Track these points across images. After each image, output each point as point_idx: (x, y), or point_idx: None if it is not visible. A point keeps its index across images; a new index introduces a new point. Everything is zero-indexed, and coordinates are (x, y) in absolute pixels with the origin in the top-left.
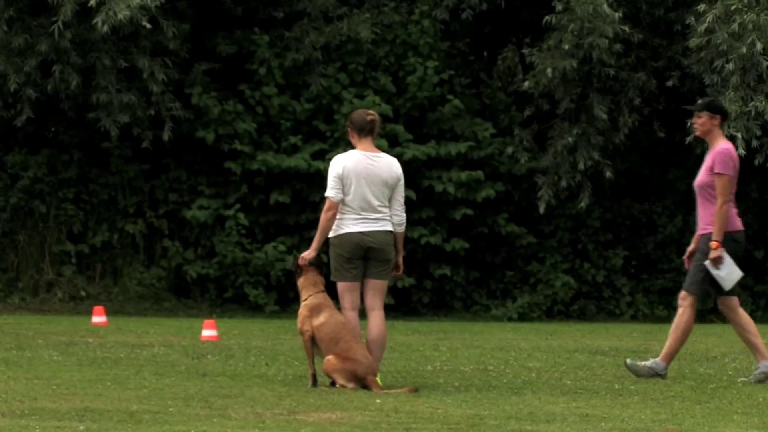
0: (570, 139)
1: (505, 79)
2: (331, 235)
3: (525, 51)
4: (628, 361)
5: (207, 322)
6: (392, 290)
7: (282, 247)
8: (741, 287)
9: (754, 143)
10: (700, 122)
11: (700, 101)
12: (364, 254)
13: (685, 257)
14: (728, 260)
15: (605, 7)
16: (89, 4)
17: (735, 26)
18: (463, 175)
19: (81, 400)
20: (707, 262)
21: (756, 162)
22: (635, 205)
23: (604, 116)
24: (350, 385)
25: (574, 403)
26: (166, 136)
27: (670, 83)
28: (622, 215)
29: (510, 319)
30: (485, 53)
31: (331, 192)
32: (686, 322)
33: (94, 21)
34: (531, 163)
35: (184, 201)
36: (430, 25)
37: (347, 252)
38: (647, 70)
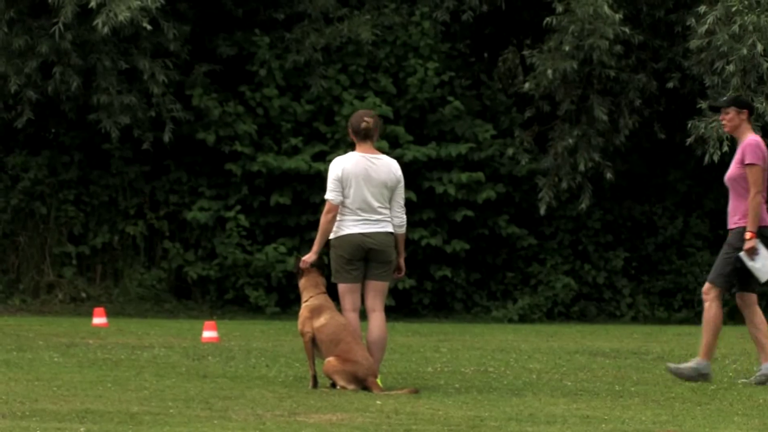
0: (570, 141)
1: (505, 81)
2: (331, 236)
3: (525, 52)
4: (671, 365)
5: (207, 323)
6: (393, 292)
7: (282, 249)
8: None
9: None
10: (728, 118)
11: (725, 97)
12: (364, 256)
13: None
14: (763, 251)
15: (606, 8)
16: (90, 6)
17: (735, 28)
18: (464, 177)
19: (81, 401)
20: (742, 254)
21: None
22: (636, 207)
23: (605, 118)
24: (351, 387)
25: (575, 404)
26: (166, 137)
27: (670, 85)
28: (623, 217)
29: (510, 321)
30: (486, 55)
31: (330, 194)
32: (715, 315)
33: (95, 22)
34: (531, 165)
35: (184, 202)
36: (430, 26)
37: (348, 253)
38: (648, 71)
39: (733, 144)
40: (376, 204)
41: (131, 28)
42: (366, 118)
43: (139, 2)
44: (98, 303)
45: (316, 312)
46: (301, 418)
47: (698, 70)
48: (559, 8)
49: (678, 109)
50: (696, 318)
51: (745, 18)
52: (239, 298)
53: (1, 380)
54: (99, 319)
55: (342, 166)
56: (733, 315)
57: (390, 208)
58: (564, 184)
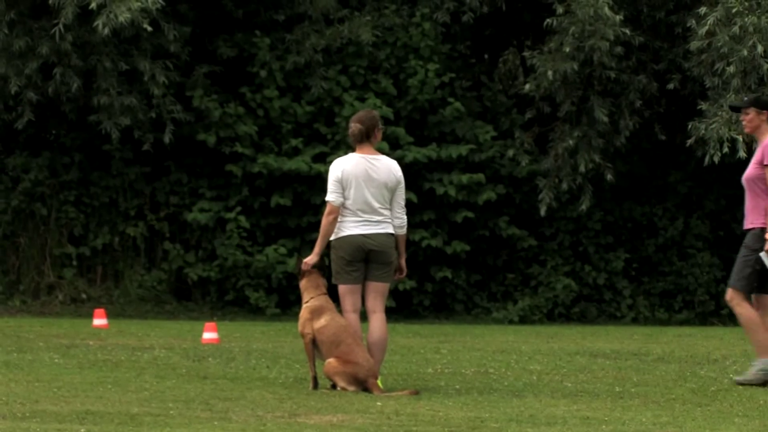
0: (571, 142)
1: (506, 82)
2: (332, 237)
3: (526, 54)
4: (739, 378)
5: (208, 324)
6: (393, 293)
7: (283, 250)
8: None
9: (755, 146)
10: (748, 119)
11: (746, 98)
12: (365, 257)
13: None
14: None
15: (606, 9)
16: (90, 7)
17: (736, 29)
18: (464, 178)
19: (82, 402)
20: (762, 254)
21: None
22: (636, 208)
23: (605, 119)
24: (351, 388)
25: (575, 405)
26: (167, 138)
27: (670, 86)
28: (623, 218)
29: (511, 322)
30: (486, 56)
31: (331, 196)
32: (749, 315)
33: (95, 24)
34: (532, 166)
35: (185, 204)
36: (431, 27)
37: (348, 255)
38: (648, 72)
39: (734, 145)
40: (376, 205)
41: (132, 30)
42: (352, 124)
43: (139, 3)
44: (99, 304)
45: (316, 313)
46: (301, 419)
47: (699, 72)
48: (560, 9)
49: (678, 111)
50: (696, 319)
51: (746, 19)
52: (240, 299)
53: (1, 381)
54: (99, 321)
55: (342, 168)
56: (732, 316)
57: (390, 209)
58: (564, 186)
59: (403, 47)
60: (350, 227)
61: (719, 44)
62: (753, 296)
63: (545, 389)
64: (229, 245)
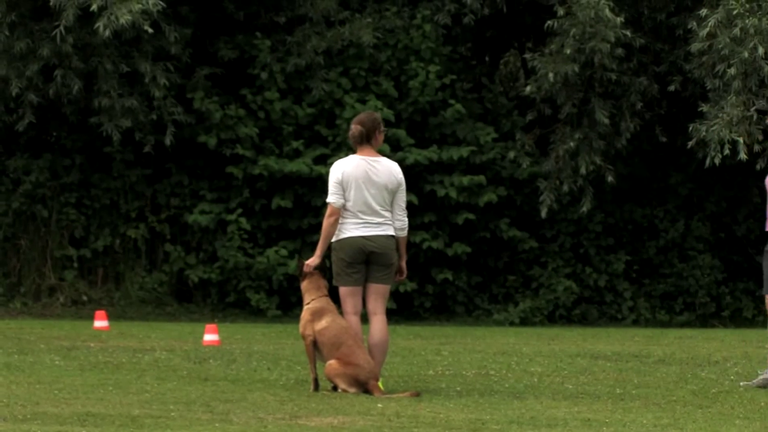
0: (572, 144)
1: (507, 84)
2: (332, 239)
3: (527, 55)
4: (750, 383)
5: (209, 326)
6: (394, 295)
7: (284, 252)
8: (742, 292)
9: (756, 148)
10: None
11: None
12: (365, 259)
13: None
14: None
15: (607, 11)
16: (91, 9)
17: (737, 31)
18: (465, 180)
19: (83, 404)
20: None
21: (758, 167)
22: (637, 210)
23: (606, 121)
24: (352, 390)
25: (576, 407)
26: (168, 140)
27: (671, 88)
28: (624, 220)
29: (512, 324)
30: (487, 58)
31: (332, 198)
32: None
33: (96, 25)
34: (533, 168)
35: (186, 205)
36: (432, 29)
37: (349, 256)
38: (649, 74)
39: (734, 147)
40: (377, 207)
41: (132, 32)
42: (353, 126)
43: (140, 5)
44: (99, 306)
45: (317, 315)
46: (302, 421)
47: (699, 74)
48: (561, 11)
49: (679, 112)
50: (697, 321)
51: (747, 21)
52: (240, 301)
53: (2, 383)
54: (100, 322)
55: (342, 169)
56: (733, 318)
57: (391, 211)
58: (565, 187)
59: (404, 49)
60: (351, 229)
61: (720, 46)
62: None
63: (546, 391)
64: (230, 247)
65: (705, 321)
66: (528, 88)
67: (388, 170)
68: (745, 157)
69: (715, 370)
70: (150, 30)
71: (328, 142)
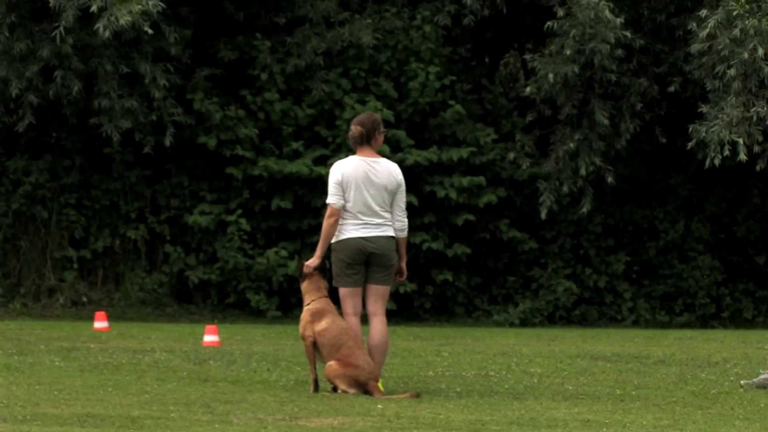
0: (572, 145)
1: (506, 85)
2: (332, 240)
3: (527, 56)
4: (751, 383)
5: (209, 327)
6: (394, 296)
7: (284, 253)
8: (742, 293)
9: (756, 149)
10: None
11: None
12: (365, 260)
13: None
14: None
15: (607, 12)
16: (91, 10)
17: (736, 32)
18: (465, 181)
19: (83, 405)
20: None
21: (758, 167)
22: (637, 211)
23: (606, 122)
24: (352, 391)
25: (576, 408)
26: (167, 141)
27: (671, 89)
28: (624, 221)
29: (512, 325)
30: (487, 59)
31: (332, 199)
32: None
33: (96, 26)
34: (533, 169)
35: (185, 206)
36: (431, 30)
37: (348, 257)
38: (649, 75)
39: (734, 148)
40: (377, 208)
41: (132, 32)
42: (353, 126)
43: (140, 6)
44: (99, 307)
45: (317, 316)
46: (302, 422)
47: (699, 74)
48: (561, 12)
49: (679, 113)
50: (697, 322)
51: (746, 22)
52: (240, 302)
53: (2, 384)
54: (100, 323)
55: (342, 170)
56: (733, 319)
57: (391, 212)
58: (565, 188)
59: (403, 50)
60: (350, 230)
61: (720, 47)
62: None
63: (546, 392)
64: (230, 248)
65: (705, 322)
66: (528, 89)
67: (388, 171)
68: (744, 158)
69: (715, 371)
70: (150, 31)
71: (327, 143)
